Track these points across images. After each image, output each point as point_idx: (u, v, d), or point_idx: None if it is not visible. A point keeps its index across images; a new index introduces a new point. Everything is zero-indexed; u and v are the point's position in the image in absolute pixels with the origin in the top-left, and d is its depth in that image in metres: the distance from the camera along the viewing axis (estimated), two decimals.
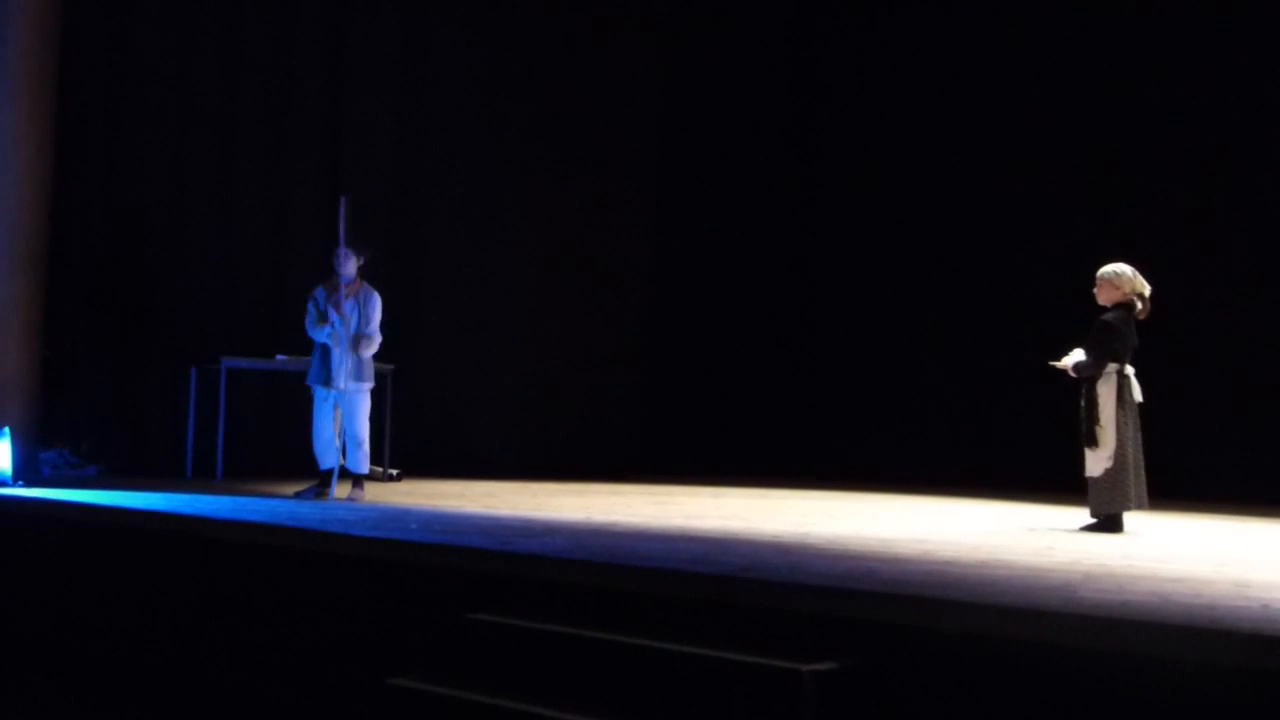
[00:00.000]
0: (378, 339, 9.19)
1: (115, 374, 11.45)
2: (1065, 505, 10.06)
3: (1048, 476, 11.95)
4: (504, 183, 13.69)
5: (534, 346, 13.83)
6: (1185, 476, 11.28)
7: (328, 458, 9.22)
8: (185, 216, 11.76)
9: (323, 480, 9.20)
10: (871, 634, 4.48)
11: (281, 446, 11.09)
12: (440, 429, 12.95)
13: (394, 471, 11.17)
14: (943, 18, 13.81)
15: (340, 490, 9.18)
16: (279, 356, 11.01)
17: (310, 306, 9.12)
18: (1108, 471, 7.55)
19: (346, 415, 9.17)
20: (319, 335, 9.09)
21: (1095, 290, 7.85)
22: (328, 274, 9.22)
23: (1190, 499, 10.62)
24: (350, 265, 9.13)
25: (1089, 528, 7.68)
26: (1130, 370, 7.73)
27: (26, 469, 9.67)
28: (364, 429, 9.22)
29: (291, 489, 9.43)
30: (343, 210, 9.15)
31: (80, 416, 11.02)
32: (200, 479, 10.58)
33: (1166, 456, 11.58)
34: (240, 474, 10.68)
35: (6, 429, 9.43)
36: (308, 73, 12.57)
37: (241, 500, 8.58)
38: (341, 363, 9.07)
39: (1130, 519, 7.82)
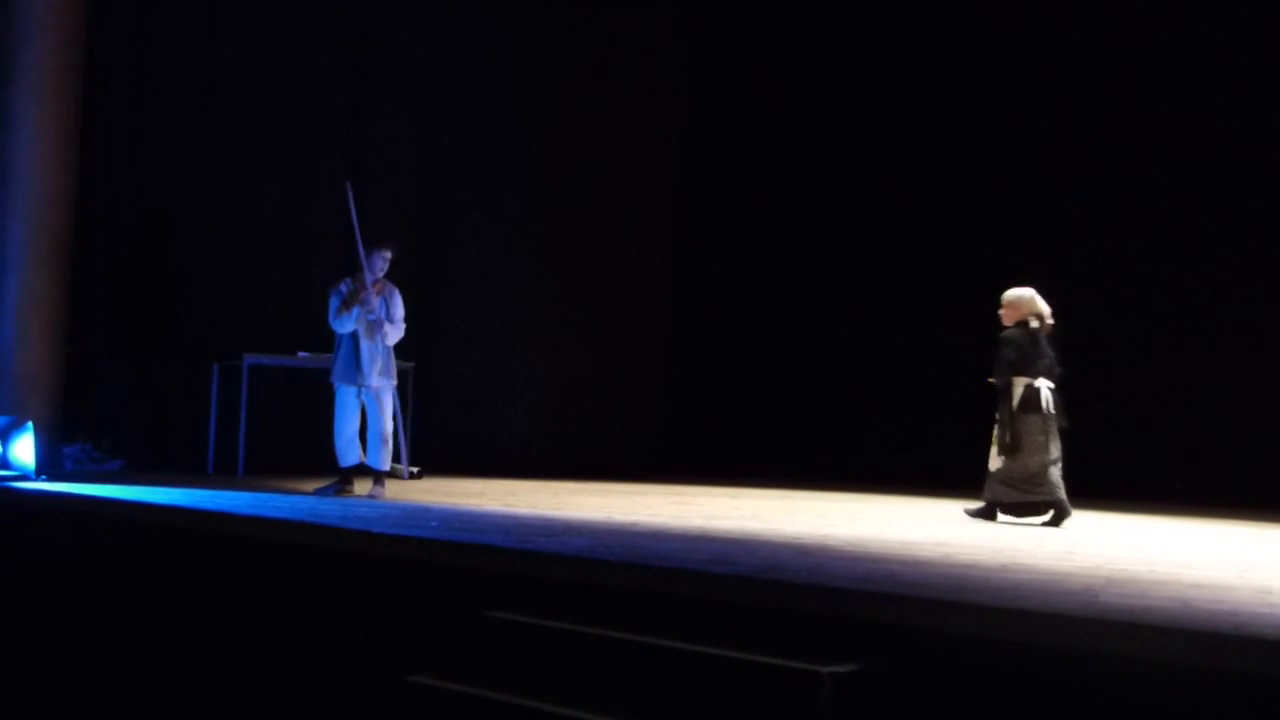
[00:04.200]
0: (403, 328, 9.20)
1: (138, 370, 11.49)
2: (1087, 509, 10.03)
3: (1068, 480, 11.95)
4: (525, 182, 13.70)
5: (554, 346, 13.83)
6: (1207, 482, 11.25)
7: (350, 455, 9.21)
8: (208, 214, 11.79)
9: (344, 477, 9.21)
10: (891, 636, 4.46)
11: (303, 443, 11.12)
12: (461, 427, 12.96)
13: (414, 469, 11.19)
14: (965, 25, 13.76)
15: (361, 487, 9.19)
16: (301, 353, 11.04)
17: (334, 299, 9.07)
18: (1001, 469, 8.53)
19: (373, 412, 9.15)
20: (344, 325, 9.02)
21: (1001, 313, 8.85)
22: (349, 271, 9.21)
23: (1212, 505, 10.57)
24: (380, 264, 9.12)
25: (973, 511, 8.78)
26: (1041, 383, 8.55)
27: (50, 463, 9.73)
28: (389, 426, 9.21)
29: (313, 485, 9.45)
30: (350, 198, 9.13)
31: (103, 412, 11.06)
32: (222, 475, 10.63)
33: (1188, 463, 11.60)
34: (262, 470, 10.72)
35: (30, 424, 9.48)
36: (331, 72, 12.59)
37: (263, 496, 8.61)
38: (372, 360, 9.05)
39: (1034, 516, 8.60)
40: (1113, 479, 11.73)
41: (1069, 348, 12.26)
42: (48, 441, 9.77)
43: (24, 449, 9.36)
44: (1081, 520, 9.12)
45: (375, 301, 9.01)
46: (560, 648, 5.06)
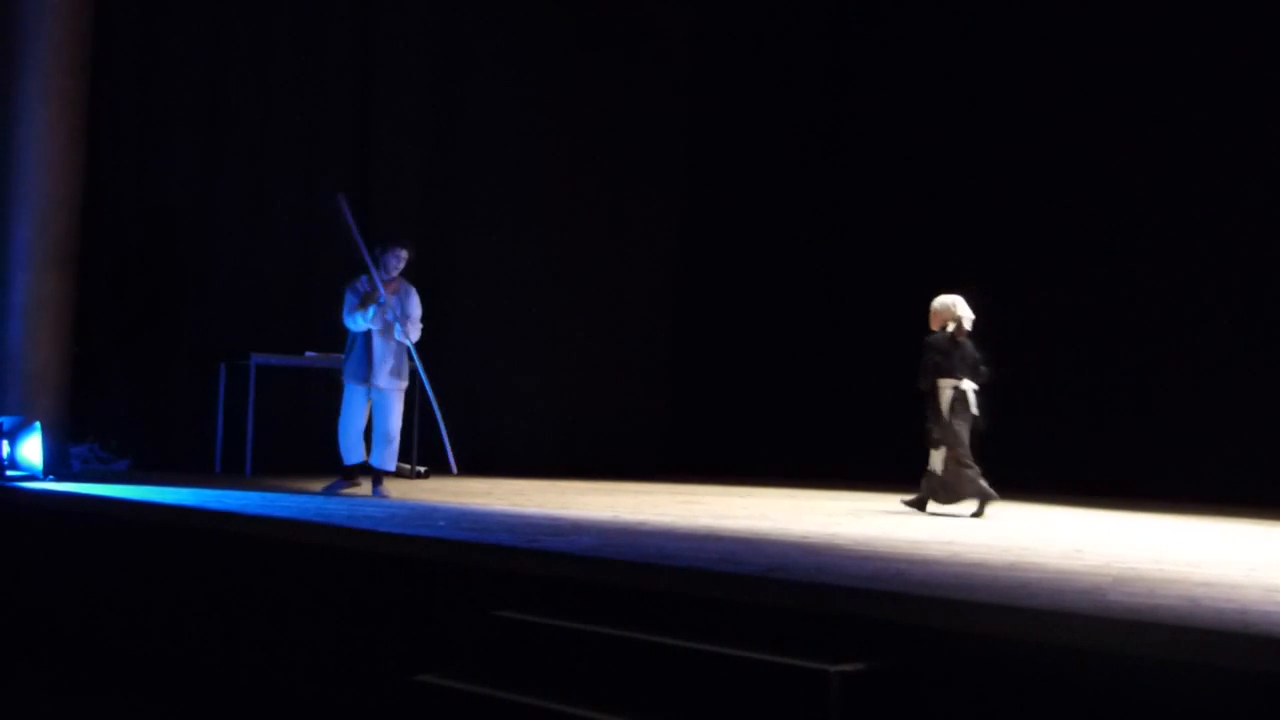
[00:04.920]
0: (420, 326, 9.19)
1: (146, 370, 11.51)
2: (1094, 508, 10.02)
3: (1076, 478, 11.95)
4: (533, 182, 13.70)
5: (562, 345, 13.83)
6: (1214, 481, 11.22)
7: (355, 453, 9.20)
8: (216, 214, 11.81)
9: (347, 474, 9.19)
10: (899, 635, 4.46)
11: (311, 443, 11.13)
12: (468, 427, 12.96)
13: (421, 469, 11.20)
14: (973, 25, 13.74)
15: (365, 486, 9.18)
16: (308, 353, 11.06)
17: (350, 296, 9.03)
18: (945, 469, 9.02)
19: (383, 412, 9.11)
20: (357, 323, 8.99)
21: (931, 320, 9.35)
22: (355, 272, 9.19)
23: (1220, 503, 10.56)
24: (395, 263, 9.08)
25: (909, 502, 9.30)
26: (966, 385, 9.08)
27: (57, 463, 9.75)
28: (397, 426, 9.20)
29: (320, 485, 9.46)
30: (346, 210, 9.13)
31: (111, 412, 11.08)
32: (229, 474, 10.65)
33: (1196, 461, 11.58)
34: (269, 470, 10.73)
35: (38, 424, 9.49)
36: (338, 71, 12.60)
37: (270, 496, 8.62)
38: (383, 360, 9.03)
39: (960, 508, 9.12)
40: (1121, 478, 11.73)
41: (1078, 347, 12.28)
42: (55, 442, 9.79)
43: (32, 449, 9.38)
44: (1090, 519, 9.12)
45: (392, 300, 8.98)
46: (568, 647, 5.06)
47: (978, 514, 8.93)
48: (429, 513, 7.71)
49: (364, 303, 8.95)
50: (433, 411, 9.57)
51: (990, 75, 13.59)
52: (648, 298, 14.69)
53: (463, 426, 12.80)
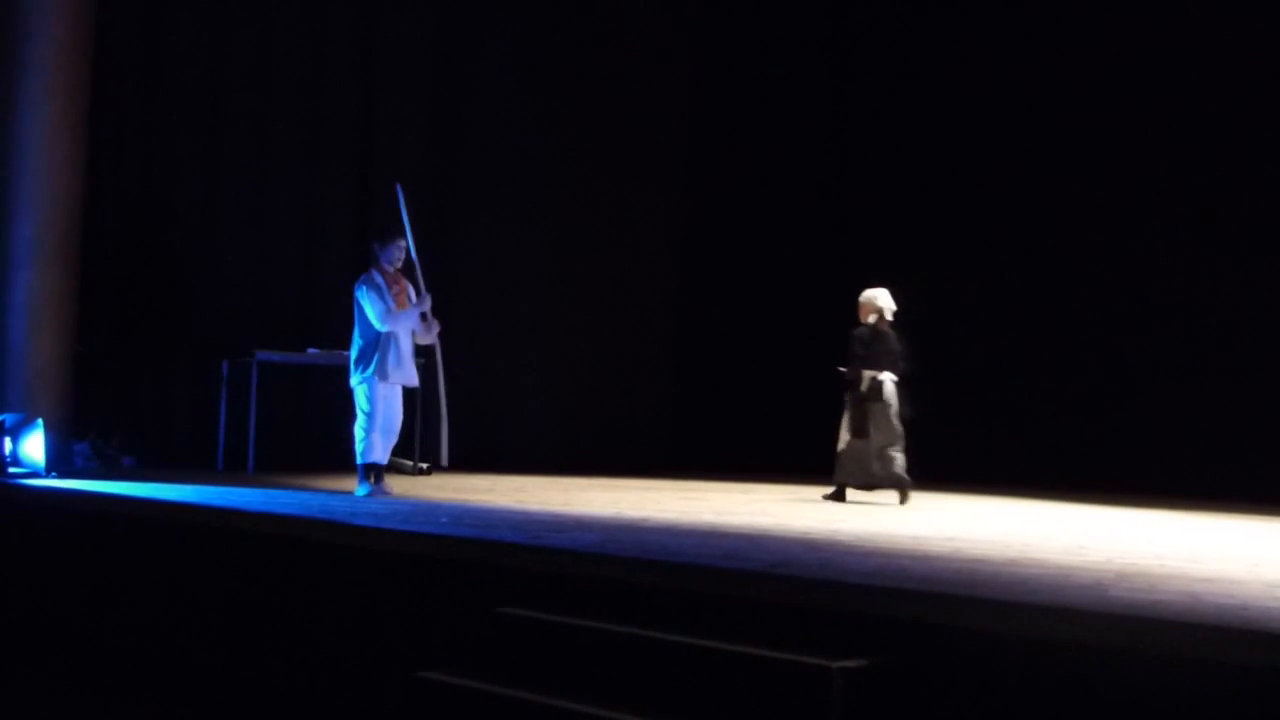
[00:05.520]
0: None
1: (148, 367, 11.52)
2: (1097, 504, 10.03)
3: (1078, 474, 11.95)
4: (534, 179, 13.69)
5: (564, 342, 13.82)
6: (1216, 477, 11.22)
7: (380, 451, 8.86)
8: (218, 211, 11.81)
9: (379, 476, 8.86)
10: (901, 631, 4.47)
11: (313, 440, 11.14)
12: (470, 423, 12.96)
13: (424, 465, 11.20)
14: (979, 18, 13.72)
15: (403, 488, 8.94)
16: (311, 350, 11.06)
17: (375, 296, 8.69)
18: (848, 451, 9.54)
19: (398, 407, 8.89)
20: (393, 324, 8.70)
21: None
22: (364, 266, 9.02)
23: (1222, 499, 10.56)
24: (397, 254, 8.88)
25: (828, 495, 9.74)
26: (885, 375, 9.54)
27: (60, 460, 9.77)
28: (399, 421, 9.01)
29: (323, 482, 9.45)
30: (401, 200, 9.05)
31: (113, 409, 11.09)
32: (232, 471, 10.66)
33: (1199, 457, 11.58)
34: (271, 467, 10.74)
35: (40, 421, 9.51)
36: (340, 68, 12.60)
37: (273, 493, 8.62)
38: (411, 356, 8.85)
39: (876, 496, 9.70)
40: (1123, 473, 11.73)
41: (1079, 343, 12.27)
42: (58, 438, 9.80)
43: (34, 446, 9.39)
44: (1091, 515, 9.13)
45: (425, 298, 8.86)
46: (570, 643, 5.07)
47: (837, 497, 9.61)
48: (431, 509, 7.72)
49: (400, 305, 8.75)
50: (438, 403, 9.39)
51: (993, 72, 13.57)
52: (650, 294, 14.68)
53: (465, 423, 12.83)
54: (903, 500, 9.42)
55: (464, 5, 13.28)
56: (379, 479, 8.82)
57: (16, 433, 9.35)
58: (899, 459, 9.44)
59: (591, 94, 14.06)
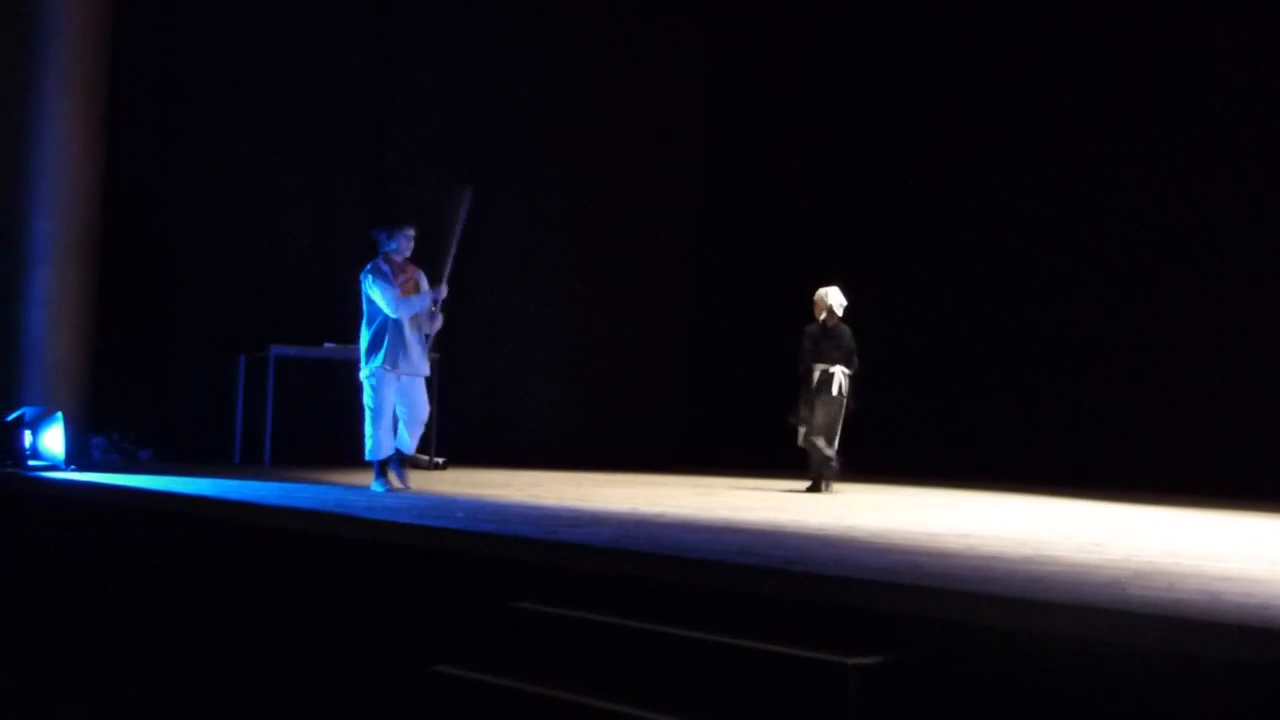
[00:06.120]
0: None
1: (165, 361, 11.55)
2: (1112, 501, 9.99)
3: (1095, 472, 11.91)
4: (549, 172, 13.69)
5: (579, 337, 13.83)
6: (1235, 474, 11.18)
7: (391, 445, 8.82)
8: (233, 205, 11.84)
9: (385, 470, 8.76)
10: (917, 628, 4.46)
11: (329, 433, 11.15)
12: (485, 418, 12.98)
13: (440, 460, 11.20)
14: (1000, 8, 13.69)
15: (395, 478, 8.98)
16: (327, 344, 11.09)
17: (383, 285, 8.62)
18: (801, 442, 10.25)
19: (421, 399, 8.78)
20: (406, 310, 8.63)
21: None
22: (371, 255, 8.91)
23: (1241, 497, 10.52)
24: (406, 244, 8.81)
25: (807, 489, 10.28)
26: (835, 369, 10.18)
27: (78, 454, 9.80)
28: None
29: (339, 477, 9.47)
30: (466, 206, 8.95)
31: (131, 402, 11.13)
32: (248, 465, 10.69)
33: (1217, 455, 11.53)
34: (287, 461, 10.77)
35: (59, 414, 9.55)
36: (354, 63, 12.61)
37: (289, 487, 8.65)
38: (417, 344, 8.73)
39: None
40: (1140, 471, 11.68)
41: (1097, 340, 12.23)
42: (77, 432, 9.84)
43: (54, 439, 9.43)
44: (1108, 512, 9.09)
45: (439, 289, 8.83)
46: (586, 638, 5.07)
47: (813, 489, 10.14)
48: (447, 505, 7.73)
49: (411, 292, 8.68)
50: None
51: (990, 70, 13.53)
52: (665, 290, 14.67)
53: (480, 417, 12.85)
54: (816, 488, 10.14)
55: (477, 2, 13.27)
56: (385, 473, 8.73)
57: (36, 426, 9.39)
58: (830, 447, 10.12)
59: (606, 91, 14.05)
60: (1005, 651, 4.27)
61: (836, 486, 10.31)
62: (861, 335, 10.59)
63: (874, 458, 13.05)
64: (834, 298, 10.34)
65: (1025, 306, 13.25)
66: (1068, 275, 13.00)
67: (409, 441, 8.88)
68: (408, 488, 8.79)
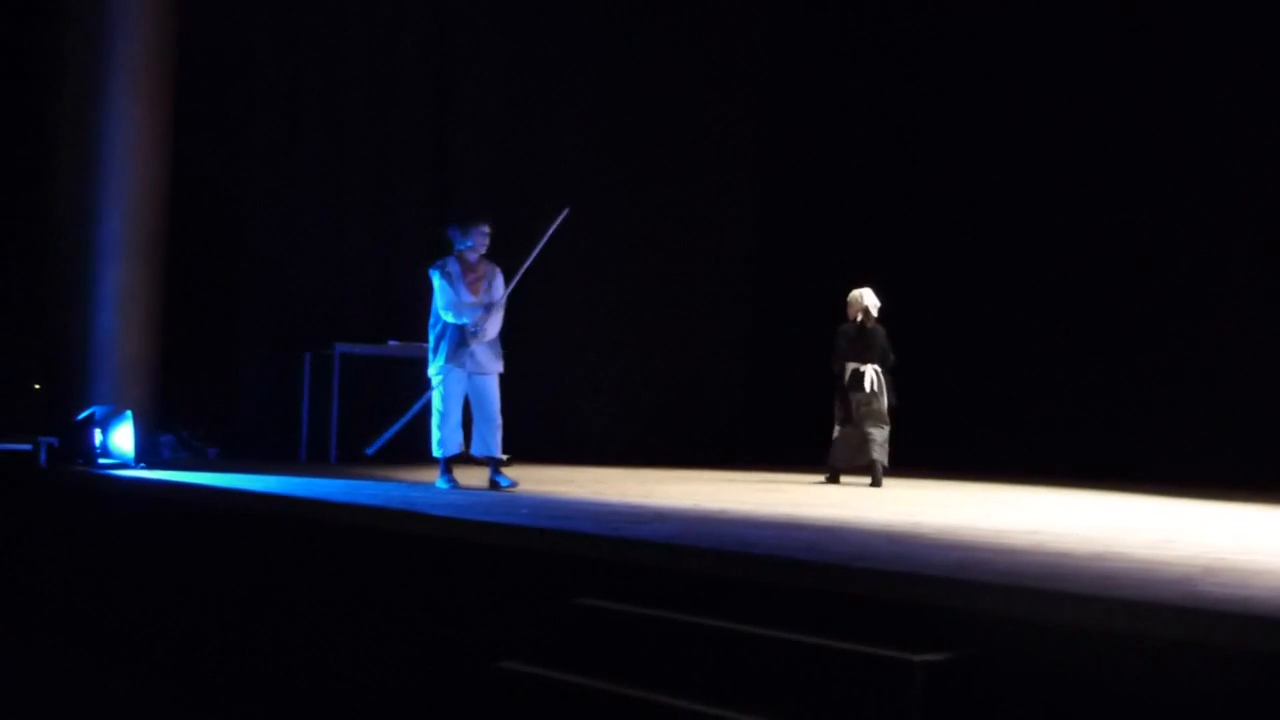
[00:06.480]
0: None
1: (232, 359, 11.70)
2: (1183, 497, 9.85)
3: (1164, 467, 11.74)
4: (608, 171, 13.70)
5: (639, 333, 13.85)
6: None
7: (459, 443, 8.82)
8: (298, 203, 11.96)
9: (450, 468, 8.80)
10: (984, 625, 4.42)
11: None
12: (549, 416, 13.01)
13: (504, 456, 11.24)
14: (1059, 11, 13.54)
15: (461, 476, 8.87)
16: (391, 342, 11.18)
17: (445, 285, 8.60)
18: (838, 438, 10.55)
19: (492, 397, 8.71)
20: (461, 316, 8.60)
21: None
22: (440, 254, 8.94)
23: None
24: (482, 241, 8.77)
25: (824, 481, 10.59)
26: (866, 368, 10.39)
27: (147, 451, 9.94)
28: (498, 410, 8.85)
29: (404, 474, 9.52)
30: (560, 220, 8.95)
31: (199, 401, 11.27)
32: (314, 463, 10.79)
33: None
34: (353, 458, 10.85)
35: (129, 413, 9.69)
36: (416, 62, 12.70)
37: (355, 484, 8.72)
38: (496, 344, 8.74)
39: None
40: (1212, 466, 11.50)
41: (1171, 335, 12.05)
42: (146, 430, 9.98)
43: (124, 438, 9.57)
44: (1179, 508, 8.96)
45: (479, 315, 8.67)
46: (650, 634, 5.08)
47: (831, 480, 10.49)
48: (512, 501, 7.76)
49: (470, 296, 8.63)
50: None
51: (1049, 74, 13.37)
52: (724, 287, 14.66)
53: (544, 416, 12.89)
54: (874, 483, 10.17)
55: (538, 5, 13.32)
56: (451, 470, 8.73)
57: (106, 424, 9.53)
58: (877, 445, 10.25)
59: (664, 84, 14.03)
60: (1073, 649, 4.22)
61: (885, 483, 10.29)
62: (925, 331, 10.58)
63: (939, 454, 12.97)
64: (869, 299, 10.58)
65: (1094, 302, 13.08)
66: (1138, 269, 12.81)
67: (491, 445, 8.75)
68: (516, 483, 8.69)
